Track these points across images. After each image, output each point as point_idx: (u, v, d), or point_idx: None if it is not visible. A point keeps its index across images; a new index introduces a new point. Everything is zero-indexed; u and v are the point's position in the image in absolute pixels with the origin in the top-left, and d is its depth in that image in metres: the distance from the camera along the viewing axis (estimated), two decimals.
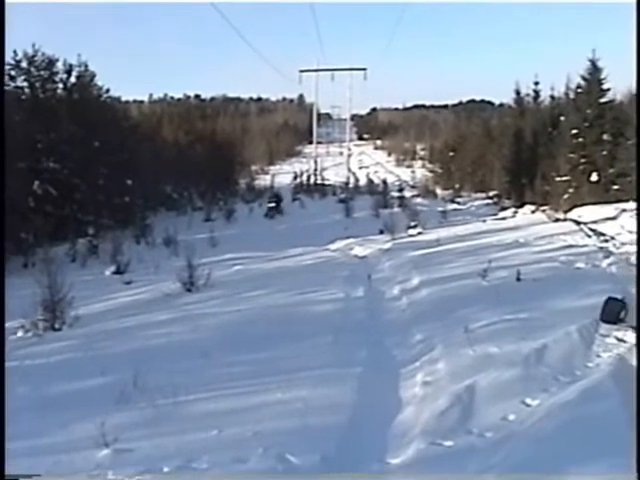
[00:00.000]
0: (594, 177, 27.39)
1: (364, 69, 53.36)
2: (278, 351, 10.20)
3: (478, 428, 7.41)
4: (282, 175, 52.49)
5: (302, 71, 52.95)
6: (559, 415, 7.32)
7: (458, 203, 37.63)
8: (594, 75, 29.55)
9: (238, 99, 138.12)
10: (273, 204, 34.22)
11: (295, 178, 49.19)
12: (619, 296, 11.27)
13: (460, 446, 7.08)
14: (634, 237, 18.77)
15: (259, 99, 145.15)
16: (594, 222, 22.45)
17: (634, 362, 9.08)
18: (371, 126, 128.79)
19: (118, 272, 18.66)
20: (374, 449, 7.23)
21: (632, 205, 23.55)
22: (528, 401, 7.96)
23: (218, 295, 14.54)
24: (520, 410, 7.74)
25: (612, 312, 10.88)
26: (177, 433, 7.36)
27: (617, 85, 30.26)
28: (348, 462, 6.81)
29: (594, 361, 9.22)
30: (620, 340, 10.03)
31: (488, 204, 35.25)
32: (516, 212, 30.19)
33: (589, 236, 20.28)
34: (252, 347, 10.45)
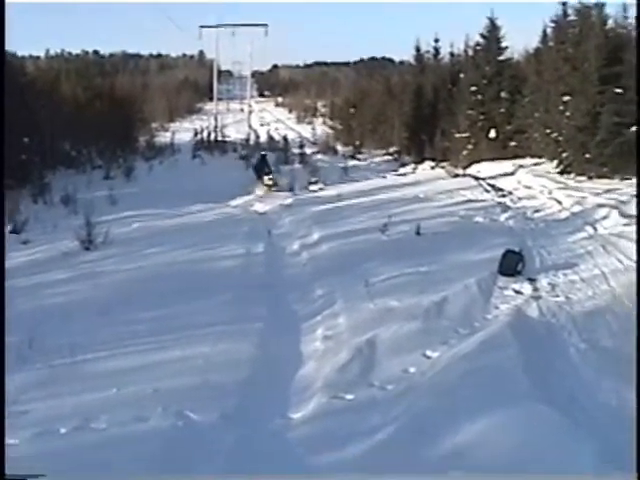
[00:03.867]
0: (492, 134, 27.88)
1: (265, 25, 52.60)
2: (178, 308, 10.05)
3: (379, 381, 7.54)
4: (183, 132, 51.52)
5: (202, 27, 51.89)
6: (459, 366, 7.51)
7: (359, 159, 37.69)
8: (492, 33, 29.93)
9: (138, 55, 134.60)
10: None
11: (195, 135, 48.33)
12: (516, 249, 11.57)
13: (361, 399, 7.20)
14: (530, 192, 19.35)
15: (159, 55, 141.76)
16: (492, 178, 22.93)
17: (531, 312, 9.42)
18: (272, 83, 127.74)
19: (15, 231, 18.01)
20: (275, 404, 7.27)
21: (529, 161, 24.25)
22: (428, 353, 8.13)
23: (117, 253, 14.20)
24: (421, 362, 7.90)
25: (510, 265, 11.19)
26: (74, 393, 7.20)
27: (515, 44, 30.72)
28: (249, 418, 6.82)
29: (492, 313, 9.50)
30: (517, 292, 10.36)
31: (388, 160, 35.44)
32: (416, 168, 30.44)
33: (487, 191, 20.72)
34: (151, 304, 10.26)
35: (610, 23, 22.67)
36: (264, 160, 27.54)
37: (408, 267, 11.81)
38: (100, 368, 7.93)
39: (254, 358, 8.36)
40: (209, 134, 48.89)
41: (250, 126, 51.43)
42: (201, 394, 7.13)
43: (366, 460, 5.87)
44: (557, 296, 10.06)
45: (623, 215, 14.39)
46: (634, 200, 15.36)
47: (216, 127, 50.20)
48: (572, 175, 20.66)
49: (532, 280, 10.82)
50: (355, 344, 8.61)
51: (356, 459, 5.94)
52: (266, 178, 25.61)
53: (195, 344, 8.56)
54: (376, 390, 7.35)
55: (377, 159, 36.43)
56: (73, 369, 7.94)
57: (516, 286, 10.58)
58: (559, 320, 9.16)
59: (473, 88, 29.32)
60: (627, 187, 17.40)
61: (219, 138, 48.52)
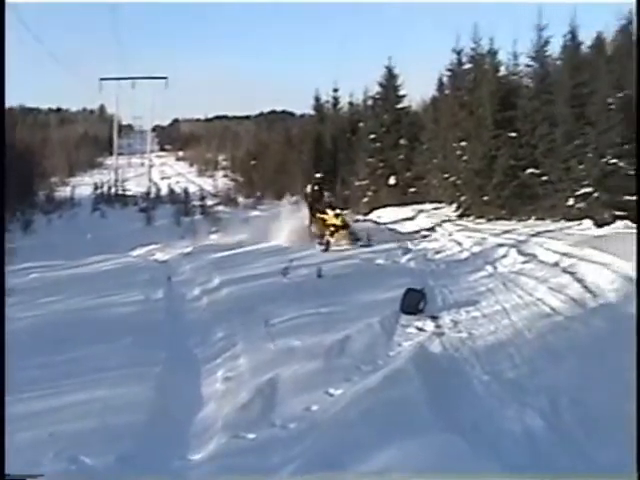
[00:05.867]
0: (392, 180, 28.45)
1: (165, 78, 52.57)
2: (74, 354, 9.76)
3: (281, 420, 7.43)
4: (83, 186, 50.74)
5: (102, 79, 51.57)
6: (362, 401, 7.46)
7: (260, 210, 37.84)
8: (390, 82, 30.78)
9: (37, 110, 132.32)
10: None
11: (96, 189, 47.74)
12: (418, 287, 11.70)
13: (263, 438, 7.06)
14: (431, 235, 19.72)
15: (58, 110, 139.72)
16: (393, 222, 23.33)
17: (433, 348, 9.49)
18: (173, 137, 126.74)
19: None
20: (174, 446, 7.06)
21: (429, 206, 24.75)
22: (331, 391, 8.06)
23: (12, 303, 13.73)
24: (323, 400, 7.83)
25: (412, 303, 11.29)
26: None
27: (413, 93, 31.56)
28: (146, 461, 6.59)
29: (395, 350, 9.52)
30: (420, 329, 10.43)
31: (290, 210, 35.65)
32: None
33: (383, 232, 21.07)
34: (48, 351, 9.93)
35: (502, 70, 23.63)
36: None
37: (310, 308, 11.80)
38: None
39: (152, 401, 8.12)
40: (109, 188, 48.44)
41: (151, 180, 51.21)
42: (97, 438, 6.88)
43: None
44: (460, 332, 10.17)
45: (521, 253, 14.86)
46: (531, 239, 15.90)
47: (116, 181, 49.85)
48: (471, 218, 21.23)
49: (434, 317, 10.93)
50: (256, 384, 8.49)
51: None
52: (331, 213, 19.59)
53: (92, 388, 8.27)
54: (278, 429, 7.23)
55: (276, 209, 36.53)
56: None
57: (419, 323, 10.67)
58: (462, 354, 9.25)
59: (372, 136, 29.97)
60: (524, 228, 18.04)
61: (119, 192, 48.14)
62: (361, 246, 18.25)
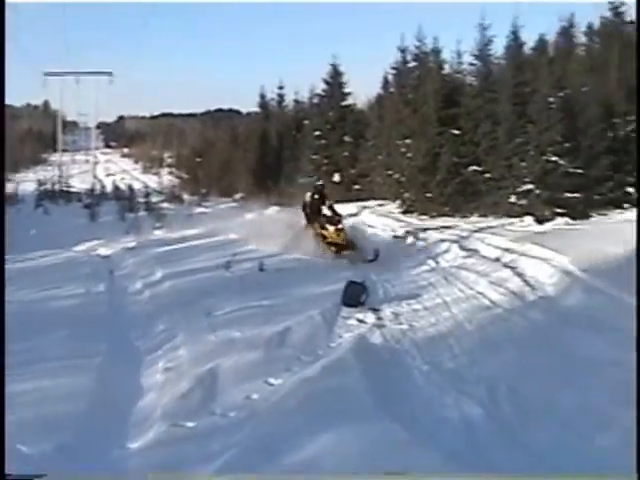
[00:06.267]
0: (336, 177, 28.44)
1: (109, 73, 51.89)
2: (14, 346, 9.50)
3: (221, 408, 7.45)
4: (27, 183, 49.87)
5: (47, 74, 50.66)
6: (302, 390, 7.49)
7: (205, 207, 37.63)
8: (335, 79, 30.75)
9: None
10: None
11: (39, 185, 47.00)
12: (359, 280, 11.74)
13: (202, 426, 7.09)
14: (374, 231, 19.77)
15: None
16: None
17: (374, 340, 9.54)
18: (118, 134, 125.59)
19: None
20: (113, 436, 7.03)
21: (373, 202, 24.84)
22: (271, 380, 8.09)
23: None
24: (263, 389, 7.85)
25: (353, 296, 11.34)
26: None
27: (358, 91, 31.63)
28: (84, 450, 6.53)
29: (336, 341, 9.57)
30: (361, 321, 10.49)
31: (235, 207, 35.53)
32: (262, 213, 30.59)
33: None
34: None
35: (447, 68, 23.88)
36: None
37: (251, 301, 11.82)
38: None
39: (92, 392, 8.05)
40: (53, 184, 47.76)
41: (95, 176, 50.70)
42: (36, 427, 6.82)
43: None
44: (401, 324, 10.25)
45: (463, 249, 14.99)
46: (474, 235, 16.07)
47: (61, 177, 49.17)
48: (415, 214, 21.36)
49: (376, 310, 10.99)
50: (196, 374, 8.51)
51: None
52: (331, 229, 16.76)
53: (32, 379, 8.20)
54: (218, 417, 7.25)
55: (223, 206, 36.41)
56: None
57: (360, 316, 10.74)
58: (403, 345, 9.33)
59: (317, 133, 29.94)
60: (466, 224, 18.26)
61: (64, 188, 47.48)
62: (369, 261, 15.54)
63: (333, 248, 16.14)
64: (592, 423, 6.55)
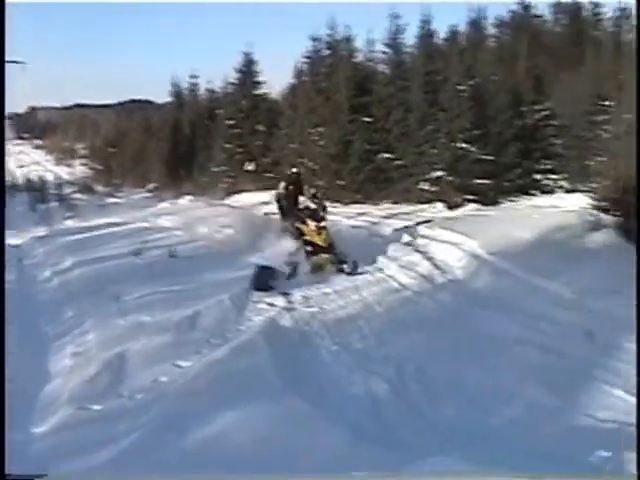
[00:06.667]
0: (250, 166, 28.39)
1: (23, 62, 50.34)
2: None
3: (129, 391, 7.49)
4: None
5: None
6: (210, 372, 7.56)
7: (118, 197, 37.24)
8: (248, 67, 30.62)
9: None
10: None
11: None
12: (269, 264, 11.71)
13: (110, 409, 7.11)
14: None
15: None
16: (250, 207, 23.23)
17: (284, 322, 9.58)
18: (30, 125, 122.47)
19: None
20: (17, 420, 6.87)
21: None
22: (180, 363, 8.11)
23: None
24: (172, 372, 7.88)
25: (262, 280, 11.33)
26: None
27: (271, 81, 31.59)
28: None
29: (246, 324, 9.62)
30: (271, 305, 10.46)
31: (148, 197, 35.25)
32: (175, 202, 30.35)
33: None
34: None
35: (359, 57, 24.05)
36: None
37: (161, 287, 11.83)
38: None
39: None
40: None
41: (6, 168, 49.48)
42: None
43: (115, 463, 5.75)
44: (311, 307, 10.29)
45: (372, 235, 15.11)
46: (385, 221, 16.24)
47: None
48: (328, 202, 21.40)
49: (286, 294, 10.98)
50: (104, 358, 8.52)
51: (102, 464, 5.78)
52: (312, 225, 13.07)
53: None
54: (125, 400, 7.27)
55: (137, 196, 36.10)
56: None
57: (270, 299, 10.74)
58: (312, 327, 9.40)
59: (230, 122, 29.75)
60: (378, 211, 18.45)
61: None
62: (348, 274, 12.39)
63: (309, 248, 12.76)
64: (497, 398, 6.76)
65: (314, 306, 10.32)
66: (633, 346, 7.74)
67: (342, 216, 18.52)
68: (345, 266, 12.51)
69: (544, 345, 8.06)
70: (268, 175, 27.52)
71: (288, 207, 13.86)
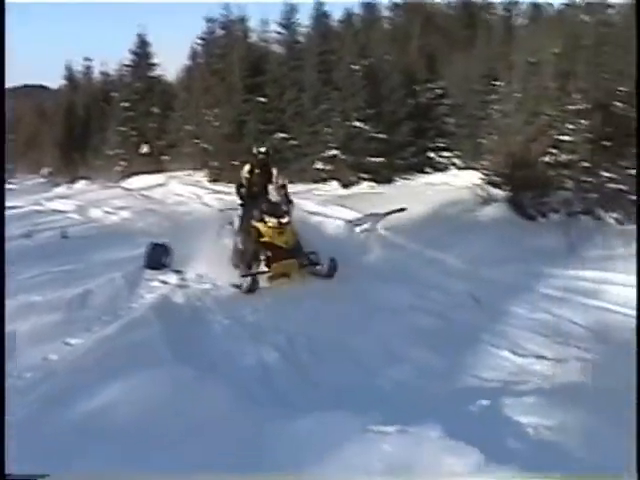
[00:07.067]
0: (145, 149, 28.12)
1: None
2: None
3: (17, 371, 7.28)
4: None
5: None
6: (101, 347, 7.58)
7: (12, 183, 36.28)
8: (143, 50, 30.24)
9: None
10: None
11: None
12: (162, 242, 11.70)
13: None
14: (181, 199, 19.80)
15: None
16: (145, 189, 23.09)
17: (176, 299, 9.63)
18: None
19: None
20: None
21: (181, 173, 24.70)
22: (70, 341, 8.03)
23: None
24: (62, 349, 7.79)
25: (155, 258, 11.30)
26: None
27: (167, 64, 31.26)
28: None
29: (138, 302, 9.57)
30: (164, 282, 10.47)
31: (43, 183, 34.50)
32: (70, 187, 29.82)
33: (138, 199, 20.91)
34: None
35: (253, 37, 24.08)
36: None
37: (53, 267, 11.68)
38: None
39: None
40: None
41: None
42: None
43: None
44: (204, 283, 10.32)
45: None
46: None
47: None
48: (223, 183, 21.44)
49: (179, 271, 10.96)
50: None
51: None
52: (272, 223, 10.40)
53: None
54: (14, 379, 7.06)
55: (30, 182, 35.25)
56: None
57: (163, 277, 10.71)
58: (205, 303, 9.50)
59: (124, 104, 29.35)
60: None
61: None
62: (325, 276, 10.35)
63: (268, 253, 10.17)
64: (385, 362, 7.04)
65: (207, 283, 10.37)
66: (520, 310, 8.27)
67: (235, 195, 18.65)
68: (318, 267, 10.43)
69: (435, 312, 8.46)
70: (164, 158, 27.44)
71: (251, 199, 11.16)
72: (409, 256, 10.84)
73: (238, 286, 9.97)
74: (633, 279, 8.42)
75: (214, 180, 22.15)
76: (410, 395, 6.14)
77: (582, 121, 12.55)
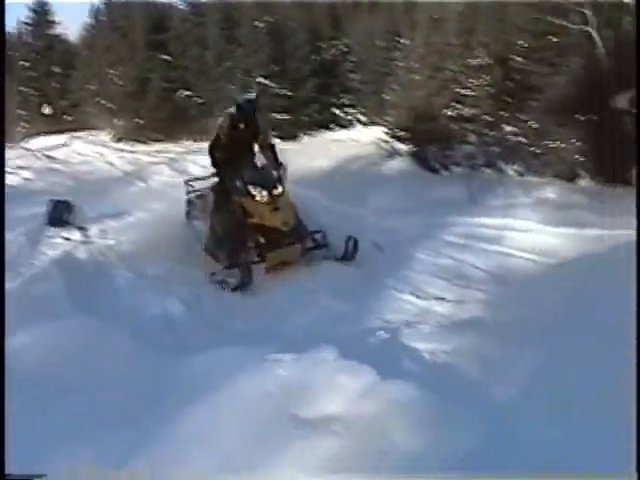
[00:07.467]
0: (47, 110, 27.42)
1: None
2: None
3: None
4: None
5: None
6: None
7: None
8: (43, 7, 29.29)
9: None
10: None
11: None
12: (64, 199, 11.57)
13: None
14: (85, 159, 19.50)
15: None
16: (47, 149, 22.53)
17: (79, 255, 9.59)
18: None
19: None
20: None
21: (86, 133, 24.24)
22: None
23: None
24: None
25: (57, 215, 11.17)
26: None
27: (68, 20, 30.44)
28: None
29: (40, 258, 9.47)
30: (67, 239, 10.38)
31: None
32: None
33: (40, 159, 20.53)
34: None
35: None
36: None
37: None
38: None
39: None
40: None
41: None
42: None
43: None
44: (107, 239, 10.29)
45: (173, 170, 15.22)
46: (186, 157, 16.36)
47: None
48: (128, 142, 21.17)
49: (82, 228, 10.88)
50: None
51: None
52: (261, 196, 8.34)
53: None
54: None
55: None
56: None
57: (65, 234, 10.61)
58: (108, 258, 9.51)
59: (24, 64, 28.49)
60: (177, 147, 18.60)
61: None
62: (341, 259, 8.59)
63: (261, 239, 8.21)
64: (289, 309, 7.28)
65: (110, 239, 10.34)
66: (422, 257, 8.52)
67: (141, 154, 18.52)
68: (326, 250, 8.64)
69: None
70: (67, 118, 26.83)
71: (230, 164, 8.83)
72: (314, 209, 11.00)
73: (221, 282, 8.13)
74: (533, 225, 8.90)
75: (119, 139, 21.80)
76: (313, 337, 6.29)
77: (484, 76, 12.86)
